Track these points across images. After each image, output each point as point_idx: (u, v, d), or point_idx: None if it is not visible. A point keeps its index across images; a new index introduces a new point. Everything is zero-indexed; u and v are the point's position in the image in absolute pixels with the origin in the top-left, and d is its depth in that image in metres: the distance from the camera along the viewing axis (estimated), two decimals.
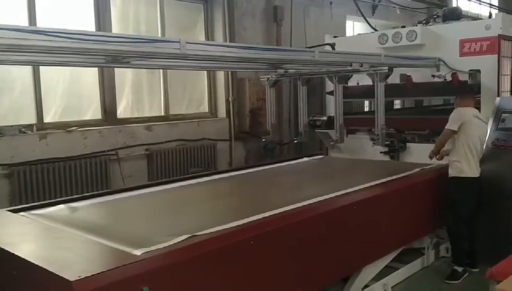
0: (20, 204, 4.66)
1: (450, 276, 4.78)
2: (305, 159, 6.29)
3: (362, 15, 8.49)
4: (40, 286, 2.54)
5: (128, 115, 6.95)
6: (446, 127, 4.76)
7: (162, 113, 7.37)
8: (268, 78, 5.83)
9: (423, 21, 6.81)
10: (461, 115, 4.73)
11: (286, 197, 4.09)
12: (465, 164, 4.73)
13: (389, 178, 4.70)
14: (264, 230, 3.23)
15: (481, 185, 4.80)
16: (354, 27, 10.85)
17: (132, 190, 4.59)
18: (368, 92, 6.50)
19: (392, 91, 6.39)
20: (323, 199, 3.91)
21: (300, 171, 5.76)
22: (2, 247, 2.83)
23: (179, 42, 3.28)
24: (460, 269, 4.78)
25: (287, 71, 5.32)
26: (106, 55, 3.37)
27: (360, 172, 5.28)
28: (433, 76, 5.87)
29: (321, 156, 6.59)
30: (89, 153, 6.14)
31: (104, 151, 6.29)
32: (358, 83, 6.49)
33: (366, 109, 8.16)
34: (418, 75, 6.05)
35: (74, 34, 2.78)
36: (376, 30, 7.60)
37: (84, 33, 2.89)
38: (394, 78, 6.24)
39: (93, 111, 6.58)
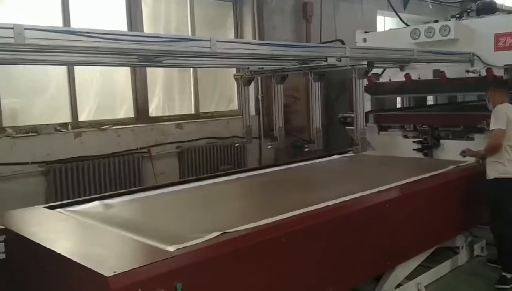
0: (56, 201, 4.78)
1: (499, 281, 4.56)
2: (336, 156, 6.24)
3: (394, 10, 8.34)
4: (76, 281, 2.59)
5: (159, 113, 7.04)
6: (494, 127, 4.52)
7: (193, 112, 7.44)
8: (241, 76, 5.10)
9: (457, 16, 6.66)
10: (505, 113, 4.53)
11: (317, 194, 4.07)
12: (508, 164, 4.53)
13: (422, 176, 4.62)
14: (295, 228, 3.22)
15: None
16: (385, 22, 10.69)
17: (164, 187, 4.64)
18: (400, 88, 6.42)
19: (425, 87, 6.30)
20: (355, 197, 3.87)
21: (331, 168, 5.72)
22: (40, 243, 2.91)
23: (209, 40, 3.29)
24: (509, 276, 4.54)
25: (261, 68, 4.91)
26: (138, 54, 3.42)
27: (393, 170, 5.21)
28: (468, 71, 5.74)
29: (352, 153, 6.51)
30: (122, 150, 6.25)
31: (136, 149, 6.40)
32: (390, 79, 6.40)
33: (398, 105, 8.04)
34: (452, 71, 5.92)
35: (107, 34, 2.83)
36: (407, 25, 7.46)
37: (117, 33, 2.93)
38: (427, 74, 6.14)
39: (125, 110, 6.69)
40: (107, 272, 2.32)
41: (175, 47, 3.17)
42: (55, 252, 2.74)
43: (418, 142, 6.14)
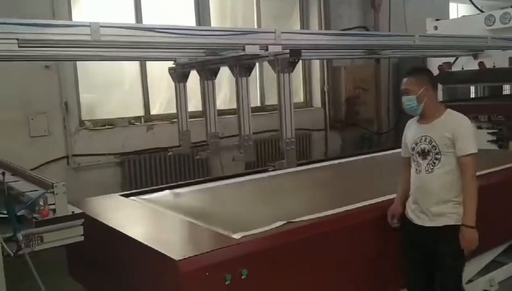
0: (130, 189, 5.03)
1: None
2: None
3: None
4: (147, 264, 2.74)
5: (226, 106, 7.18)
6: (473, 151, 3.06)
7: (258, 104, 7.50)
8: (175, 70, 4.21)
9: None
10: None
11: (382, 187, 4.00)
12: None
13: (495, 168, 4.41)
14: (360, 219, 3.21)
15: None
16: (458, 9, 10.24)
17: (230, 177, 4.76)
18: (473, 77, 6.15)
19: (500, 75, 6.00)
20: None
21: (399, 161, 5.58)
22: (116, 227, 3.10)
23: (274, 32, 3.32)
24: None
25: (195, 59, 4.10)
26: (205, 48, 3.52)
27: None
28: None
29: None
30: (191, 142, 6.44)
31: (204, 141, 6.56)
32: (462, 68, 6.15)
33: (472, 95, 7.70)
34: None
35: (178, 30, 2.95)
36: (482, 11, 7.12)
37: (188, 28, 3.06)
38: (503, 62, 5.84)
39: (193, 104, 6.87)
40: (177, 256, 2.44)
41: (240, 40, 3.23)
42: (129, 236, 2.91)
43: (493, 133, 5.87)
